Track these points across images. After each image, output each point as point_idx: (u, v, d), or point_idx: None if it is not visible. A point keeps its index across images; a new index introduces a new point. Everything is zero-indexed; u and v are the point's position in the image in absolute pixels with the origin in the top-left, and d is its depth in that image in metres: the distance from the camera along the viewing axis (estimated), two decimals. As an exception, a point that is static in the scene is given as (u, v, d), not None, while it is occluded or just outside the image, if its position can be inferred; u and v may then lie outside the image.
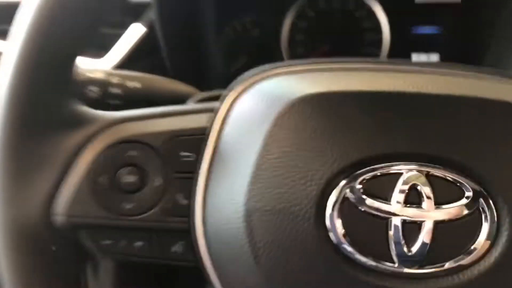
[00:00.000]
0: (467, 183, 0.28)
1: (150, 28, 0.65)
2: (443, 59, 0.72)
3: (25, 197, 0.32)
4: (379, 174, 0.29)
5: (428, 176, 0.28)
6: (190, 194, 0.33)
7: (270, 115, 0.30)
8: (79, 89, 0.43)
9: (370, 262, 0.29)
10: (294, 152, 0.29)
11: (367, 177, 0.29)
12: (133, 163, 0.33)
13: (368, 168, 0.29)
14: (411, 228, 0.28)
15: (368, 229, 0.29)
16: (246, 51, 0.72)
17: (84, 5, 0.31)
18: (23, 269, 0.32)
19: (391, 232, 0.28)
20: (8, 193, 0.32)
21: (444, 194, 0.28)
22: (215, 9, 0.72)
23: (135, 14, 0.66)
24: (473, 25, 0.68)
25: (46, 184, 0.33)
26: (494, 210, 0.28)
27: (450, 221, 0.28)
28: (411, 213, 0.28)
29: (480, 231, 0.28)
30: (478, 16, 0.68)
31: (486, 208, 0.28)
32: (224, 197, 0.31)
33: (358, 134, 0.29)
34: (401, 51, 0.70)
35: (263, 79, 0.33)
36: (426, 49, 0.72)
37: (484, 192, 0.28)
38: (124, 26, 0.65)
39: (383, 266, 0.29)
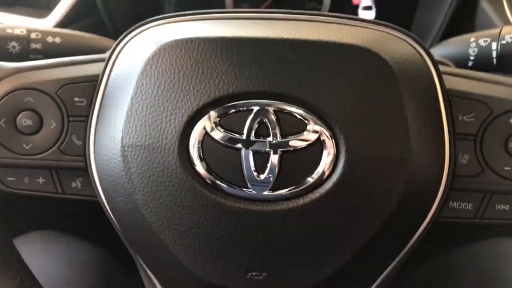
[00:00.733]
0: (310, 118, 0.32)
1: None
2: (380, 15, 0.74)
3: None
4: (234, 111, 0.33)
5: (276, 112, 0.32)
6: (84, 136, 0.37)
7: (143, 60, 0.34)
8: (-1, 45, 0.46)
9: (228, 188, 0.33)
10: (162, 92, 0.33)
11: (223, 114, 0.33)
12: (31, 108, 0.37)
13: (225, 105, 0.33)
14: (262, 158, 0.32)
15: (225, 159, 0.33)
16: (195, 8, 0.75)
17: None
18: None
19: (243, 161, 0.32)
20: None
21: (290, 127, 0.32)
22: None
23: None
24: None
25: None
26: (333, 141, 0.32)
27: (295, 151, 0.32)
28: (260, 144, 0.32)
29: (321, 160, 0.32)
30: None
31: (326, 140, 0.32)
32: (108, 136, 0.35)
33: (216, 76, 0.32)
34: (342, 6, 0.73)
35: (145, 29, 0.37)
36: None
37: (324, 125, 0.32)
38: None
39: (239, 191, 0.33)
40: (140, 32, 0.37)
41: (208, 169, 0.33)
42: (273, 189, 0.33)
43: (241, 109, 0.32)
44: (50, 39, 0.49)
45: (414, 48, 0.35)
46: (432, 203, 0.35)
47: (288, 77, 0.32)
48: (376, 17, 0.75)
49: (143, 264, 0.39)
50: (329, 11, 0.75)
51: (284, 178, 0.33)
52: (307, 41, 0.33)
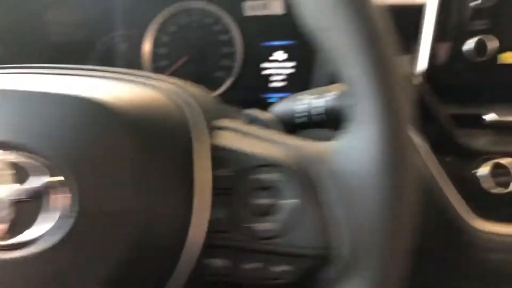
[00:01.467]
0: (35, 167, 0.31)
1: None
2: (300, 67, 0.74)
3: None
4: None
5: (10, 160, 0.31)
6: None
7: None
8: None
9: None
10: None
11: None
12: None
13: None
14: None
15: None
16: (115, 65, 0.77)
17: None
18: None
19: None
20: None
21: (20, 176, 0.31)
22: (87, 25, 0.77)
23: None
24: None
25: None
26: (65, 191, 0.31)
27: (23, 201, 0.31)
28: None
29: (49, 210, 0.31)
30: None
31: (56, 190, 0.31)
32: None
33: None
34: (253, 62, 0.74)
35: None
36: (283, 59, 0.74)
37: (49, 176, 0.31)
38: None
39: None
40: None
41: None
42: (3, 238, 0.31)
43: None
44: None
45: (186, 101, 0.35)
46: (177, 259, 0.34)
47: (20, 127, 0.32)
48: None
49: None
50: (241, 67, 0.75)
51: (14, 228, 0.31)
52: (43, 93, 0.33)
